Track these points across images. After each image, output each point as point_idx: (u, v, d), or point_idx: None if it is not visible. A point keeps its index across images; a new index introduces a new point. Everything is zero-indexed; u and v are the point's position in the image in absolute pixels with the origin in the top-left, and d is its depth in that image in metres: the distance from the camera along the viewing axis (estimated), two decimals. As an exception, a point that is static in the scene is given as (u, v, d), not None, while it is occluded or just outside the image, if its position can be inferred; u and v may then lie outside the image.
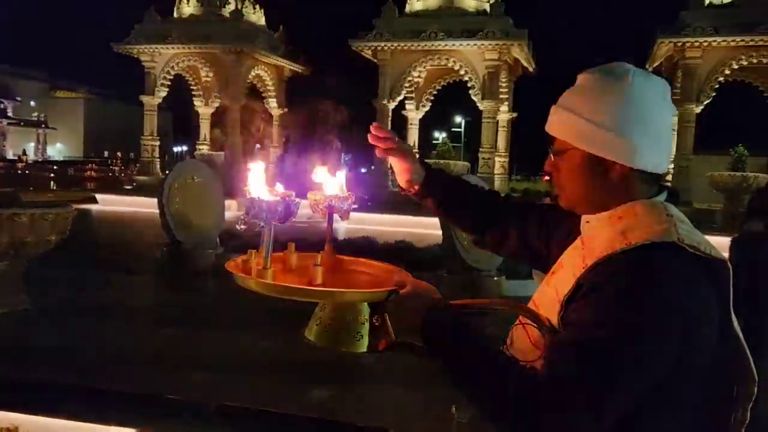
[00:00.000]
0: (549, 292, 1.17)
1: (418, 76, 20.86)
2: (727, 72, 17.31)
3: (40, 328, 5.65)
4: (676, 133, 17.59)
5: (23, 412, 2.79)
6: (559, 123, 1.19)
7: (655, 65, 19.58)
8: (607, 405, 1.00)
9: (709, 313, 1.06)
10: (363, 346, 1.28)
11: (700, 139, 17.52)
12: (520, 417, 1.01)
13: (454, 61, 19.02)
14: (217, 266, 9.18)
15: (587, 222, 1.20)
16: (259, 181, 1.30)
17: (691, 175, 17.05)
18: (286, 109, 25.39)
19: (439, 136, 35.84)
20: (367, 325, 1.28)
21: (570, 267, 1.16)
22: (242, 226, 1.26)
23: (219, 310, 7.18)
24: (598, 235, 1.14)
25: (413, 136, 21.91)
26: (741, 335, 1.12)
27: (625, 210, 1.14)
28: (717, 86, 17.43)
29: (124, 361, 4.79)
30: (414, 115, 21.93)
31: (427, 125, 29.87)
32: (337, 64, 28.66)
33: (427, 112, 22.54)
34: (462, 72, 19.05)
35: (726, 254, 1.19)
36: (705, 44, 16.93)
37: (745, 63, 17.23)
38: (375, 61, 19.95)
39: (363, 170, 31.05)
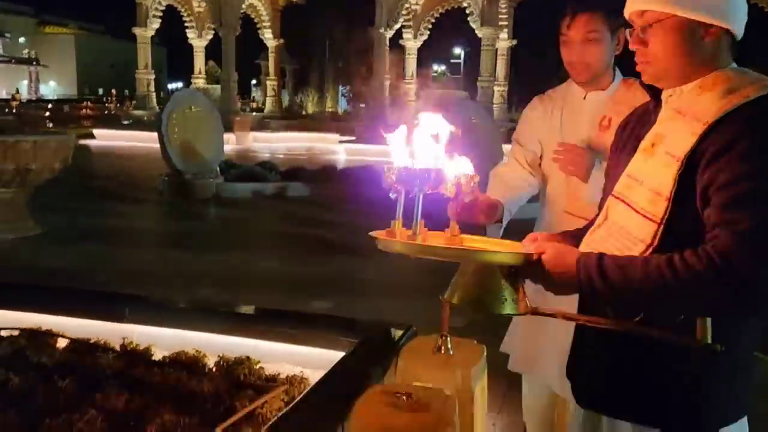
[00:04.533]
0: (654, 162, 1.17)
1: (416, 3, 20.39)
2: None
3: (53, 252, 5.86)
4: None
5: (49, 313, 3.01)
6: None
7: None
8: None
9: None
10: (508, 308, 1.31)
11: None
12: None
13: (452, -13, 18.59)
14: (217, 195, 9.39)
15: (670, 95, 1.22)
16: (403, 148, 1.30)
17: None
18: (282, 41, 24.90)
19: (439, 68, 35.09)
20: (509, 287, 1.30)
21: (681, 131, 1.14)
22: (393, 195, 1.28)
23: (221, 235, 7.40)
24: (699, 100, 1.15)
25: (411, 67, 21.62)
26: None
27: (715, 77, 1.16)
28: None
29: (134, 279, 5.02)
30: (412, 44, 21.54)
31: (426, 57, 29.30)
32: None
33: (426, 43, 22.13)
34: (460, -2, 18.64)
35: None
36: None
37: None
38: (371, -12, 19.47)
39: (362, 105, 30.70)
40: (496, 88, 20.44)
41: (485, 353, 2.44)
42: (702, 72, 1.18)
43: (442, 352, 2.26)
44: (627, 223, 1.19)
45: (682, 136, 1.13)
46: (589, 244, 1.26)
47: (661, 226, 1.14)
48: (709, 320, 1.09)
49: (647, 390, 1.21)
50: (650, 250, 1.14)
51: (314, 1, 26.09)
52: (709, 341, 1.09)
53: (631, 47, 1.26)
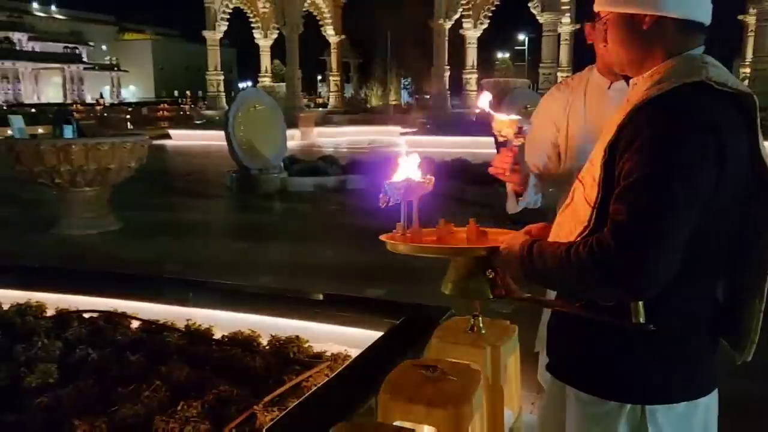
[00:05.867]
0: (599, 148, 1.23)
1: (476, -8, 20.24)
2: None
3: (131, 245, 6.34)
4: (754, 33, 16.39)
5: (124, 298, 3.35)
6: None
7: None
8: (673, 229, 1.08)
9: (737, 134, 1.15)
10: (487, 293, 1.52)
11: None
12: (601, 271, 1.10)
13: (512, -27, 18.33)
14: (281, 189, 9.77)
15: (635, 84, 1.28)
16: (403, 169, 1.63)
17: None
18: (343, 36, 25.29)
19: (502, 56, 34.51)
20: (487, 276, 1.47)
21: (616, 121, 1.21)
22: (383, 204, 1.61)
23: (284, 226, 7.74)
24: (640, 90, 1.21)
25: (471, 56, 21.46)
26: None
27: (664, 66, 1.22)
28: (803, -21, 16.01)
29: (202, 268, 5.38)
30: (472, 33, 21.38)
31: (489, 45, 28.92)
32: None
33: (489, 31, 21.91)
34: (521, -16, 18.35)
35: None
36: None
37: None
38: (430, -21, 19.48)
39: (427, 96, 30.68)
40: (559, 74, 19.97)
41: (516, 332, 2.54)
42: (655, 59, 1.24)
43: (474, 331, 2.40)
44: (579, 205, 1.27)
45: (614, 127, 1.20)
46: (557, 223, 1.35)
47: (594, 210, 1.21)
48: (641, 302, 1.16)
49: (587, 361, 1.28)
50: (587, 231, 1.21)
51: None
52: (642, 321, 1.16)
53: (601, 44, 1.35)
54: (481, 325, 2.42)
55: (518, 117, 1.65)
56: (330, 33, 24.87)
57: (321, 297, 3.47)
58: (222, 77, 24.27)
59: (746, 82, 17.59)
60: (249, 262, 5.71)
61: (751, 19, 17.92)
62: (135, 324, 3.14)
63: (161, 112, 34.11)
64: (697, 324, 1.24)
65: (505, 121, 1.65)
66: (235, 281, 4.80)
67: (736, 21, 19.34)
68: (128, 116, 32.77)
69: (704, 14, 1.24)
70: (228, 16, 23.36)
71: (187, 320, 3.09)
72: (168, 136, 20.53)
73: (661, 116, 1.12)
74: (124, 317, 3.19)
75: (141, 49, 67.53)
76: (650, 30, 1.23)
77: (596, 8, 1.33)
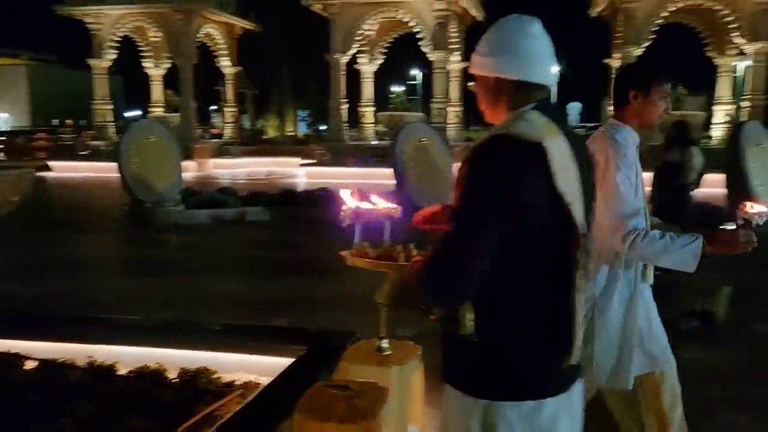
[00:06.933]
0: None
1: (370, 29, 20.92)
2: (665, 14, 17.99)
3: (14, 283, 5.92)
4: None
5: (14, 338, 3.20)
6: (471, 61, 1.60)
7: (597, 11, 20.12)
8: (468, 255, 1.35)
9: (533, 175, 1.36)
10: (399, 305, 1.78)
11: (641, 81, 18.12)
12: (420, 283, 1.40)
13: (403, 13, 19.15)
14: (177, 222, 9.52)
15: None
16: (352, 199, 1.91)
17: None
18: (240, 68, 25.13)
19: (397, 90, 35.76)
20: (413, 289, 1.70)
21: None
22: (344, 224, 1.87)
23: (182, 260, 7.55)
24: None
25: (368, 90, 22.08)
26: (567, 197, 1.38)
27: (503, 120, 1.47)
28: (656, 29, 18.10)
29: (98, 306, 5.17)
30: (368, 68, 22.05)
31: (384, 80, 29.84)
32: (289, 19, 28.27)
33: (384, 66, 22.66)
34: (412, 23, 19.22)
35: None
36: (643, -12, 17.46)
37: (681, 4, 17.92)
38: (326, 15, 19.93)
39: (322, 128, 31.02)
40: (450, 109, 21.01)
41: (420, 352, 2.74)
42: (503, 112, 1.51)
43: (380, 352, 2.57)
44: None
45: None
46: None
47: None
48: (467, 313, 1.42)
49: (454, 362, 1.52)
50: None
51: (271, 28, 26.47)
52: (468, 333, 1.43)
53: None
54: (386, 346, 2.60)
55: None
56: (225, 64, 24.62)
57: (227, 328, 3.50)
58: (111, 107, 23.22)
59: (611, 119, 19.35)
60: (147, 298, 5.55)
61: (615, 63, 19.91)
62: (32, 365, 3.01)
63: (39, 141, 31.82)
64: (531, 334, 1.44)
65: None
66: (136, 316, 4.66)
67: (603, 64, 21.41)
68: (1, 146, 30.32)
69: (540, 76, 1.50)
70: (117, 45, 22.51)
71: (89, 357, 3.02)
72: (47, 168, 19.18)
73: (471, 163, 1.39)
74: (18, 357, 3.06)
75: (14, 74, 62.80)
76: (495, 88, 1.52)
77: (470, 71, 1.62)
